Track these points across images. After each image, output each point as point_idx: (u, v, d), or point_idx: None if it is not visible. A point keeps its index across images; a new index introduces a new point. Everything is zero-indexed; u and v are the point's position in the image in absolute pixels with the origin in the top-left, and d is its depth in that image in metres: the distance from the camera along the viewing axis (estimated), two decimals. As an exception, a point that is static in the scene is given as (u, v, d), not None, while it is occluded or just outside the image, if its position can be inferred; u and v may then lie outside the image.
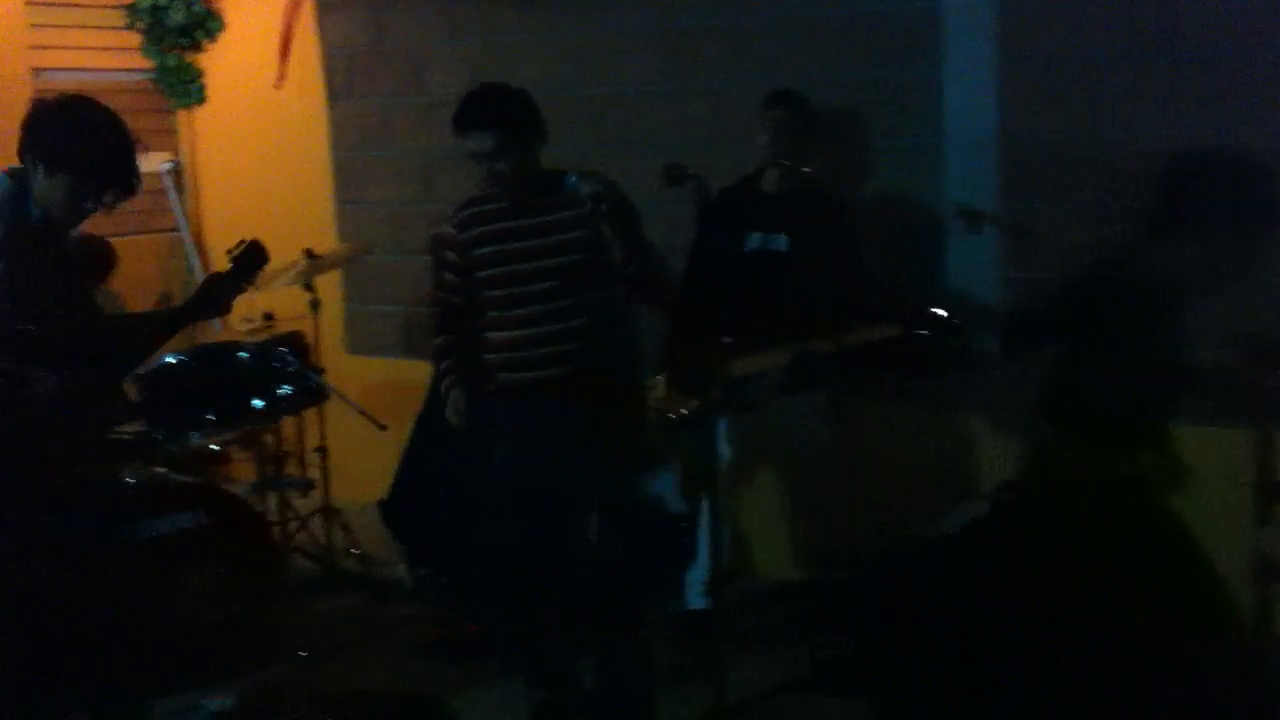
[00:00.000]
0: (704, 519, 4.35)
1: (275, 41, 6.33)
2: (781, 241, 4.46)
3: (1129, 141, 4.33)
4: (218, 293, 3.82)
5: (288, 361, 4.82)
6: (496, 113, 3.76)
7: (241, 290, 3.88)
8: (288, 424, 5.17)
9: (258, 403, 4.76)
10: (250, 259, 3.83)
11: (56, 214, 3.57)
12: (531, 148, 3.83)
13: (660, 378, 4.67)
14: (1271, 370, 4.04)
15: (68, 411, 3.58)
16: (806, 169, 4.36)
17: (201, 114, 6.78)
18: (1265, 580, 3.79)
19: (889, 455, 4.87)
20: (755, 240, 4.51)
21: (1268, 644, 3.79)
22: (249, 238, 3.87)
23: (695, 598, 4.60)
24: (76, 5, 6.38)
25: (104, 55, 6.48)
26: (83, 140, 3.54)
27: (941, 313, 3.53)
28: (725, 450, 4.55)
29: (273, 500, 5.05)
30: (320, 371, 5.05)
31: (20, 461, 3.53)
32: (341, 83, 6.26)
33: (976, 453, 4.74)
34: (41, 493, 3.60)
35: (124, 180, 3.60)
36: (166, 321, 3.94)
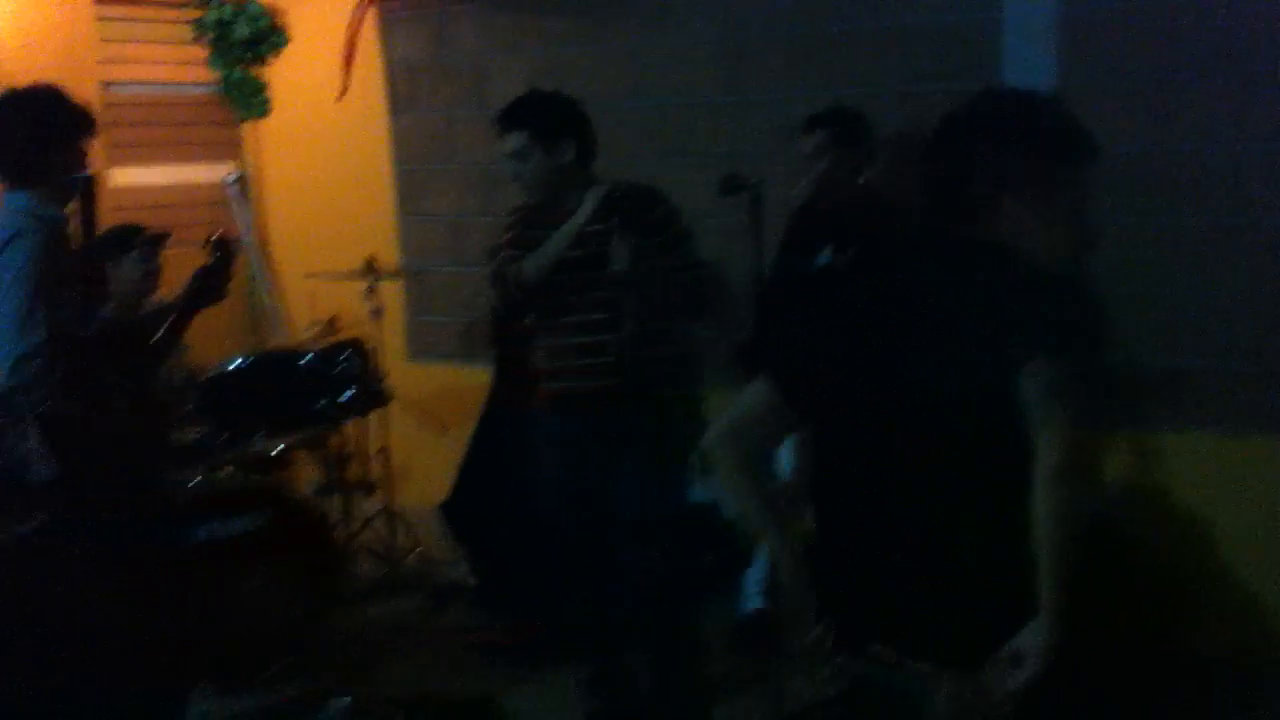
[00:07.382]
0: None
1: (339, 54, 6.42)
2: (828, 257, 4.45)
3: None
4: (213, 282, 3.88)
5: (350, 366, 4.89)
6: (527, 115, 3.80)
7: (230, 278, 3.95)
8: (350, 429, 5.23)
9: (320, 405, 4.85)
10: (225, 249, 3.92)
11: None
12: (563, 152, 3.81)
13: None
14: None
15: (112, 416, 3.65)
16: (860, 182, 4.33)
17: (266, 126, 6.87)
18: None
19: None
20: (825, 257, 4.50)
21: None
22: (219, 233, 3.97)
23: (753, 597, 4.60)
24: (145, 20, 6.49)
25: (171, 68, 6.58)
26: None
27: None
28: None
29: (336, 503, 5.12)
30: (382, 376, 5.12)
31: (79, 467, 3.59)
32: (404, 95, 6.35)
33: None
34: (103, 498, 3.65)
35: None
36: (175, 312, 3.96)
